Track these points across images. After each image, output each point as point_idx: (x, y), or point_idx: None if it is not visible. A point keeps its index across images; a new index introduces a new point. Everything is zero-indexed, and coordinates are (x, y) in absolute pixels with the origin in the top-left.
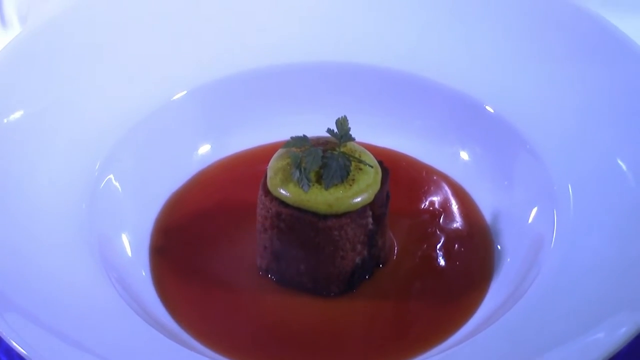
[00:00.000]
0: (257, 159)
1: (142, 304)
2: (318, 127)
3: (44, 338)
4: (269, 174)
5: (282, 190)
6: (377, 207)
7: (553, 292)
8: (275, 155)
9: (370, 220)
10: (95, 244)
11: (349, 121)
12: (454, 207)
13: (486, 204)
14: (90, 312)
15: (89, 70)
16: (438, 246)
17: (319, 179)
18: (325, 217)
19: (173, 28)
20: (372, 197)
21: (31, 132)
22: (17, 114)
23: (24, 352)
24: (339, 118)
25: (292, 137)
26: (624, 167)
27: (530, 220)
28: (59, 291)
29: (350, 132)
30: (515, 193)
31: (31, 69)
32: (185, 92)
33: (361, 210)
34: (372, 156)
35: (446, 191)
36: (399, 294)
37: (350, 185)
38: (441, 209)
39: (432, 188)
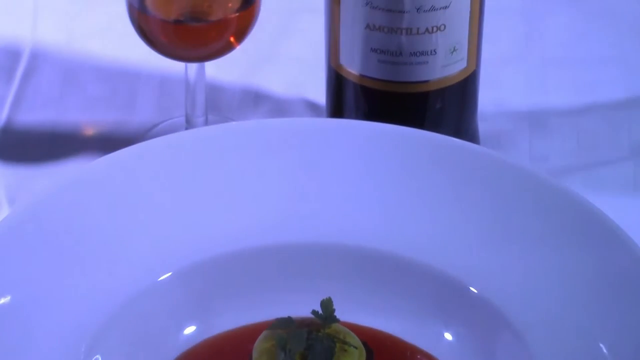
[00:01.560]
0: (242, 339)
1: None
2: (304, 306)
3: None
4: (254, 355)
5: None
6: None
7: None
8: (260, 337)
9: None
10: None
11: (333, 301)
12: None
13: None
14: None
15: (75, 251)
16: None
17: None
18: None
19: (157, 211)
20: None
21: (17, 314)
22: (5, 297)
23: None
24: (323, 299)
25: (277, 319)
26: (605, 350)
27: None
28: None
29: (335, 312)
30: None
31: (18, 250)
32: (170, 273)
33: None
34: (356, 337)
35: None
36: None
37: None
38: None
39: None
